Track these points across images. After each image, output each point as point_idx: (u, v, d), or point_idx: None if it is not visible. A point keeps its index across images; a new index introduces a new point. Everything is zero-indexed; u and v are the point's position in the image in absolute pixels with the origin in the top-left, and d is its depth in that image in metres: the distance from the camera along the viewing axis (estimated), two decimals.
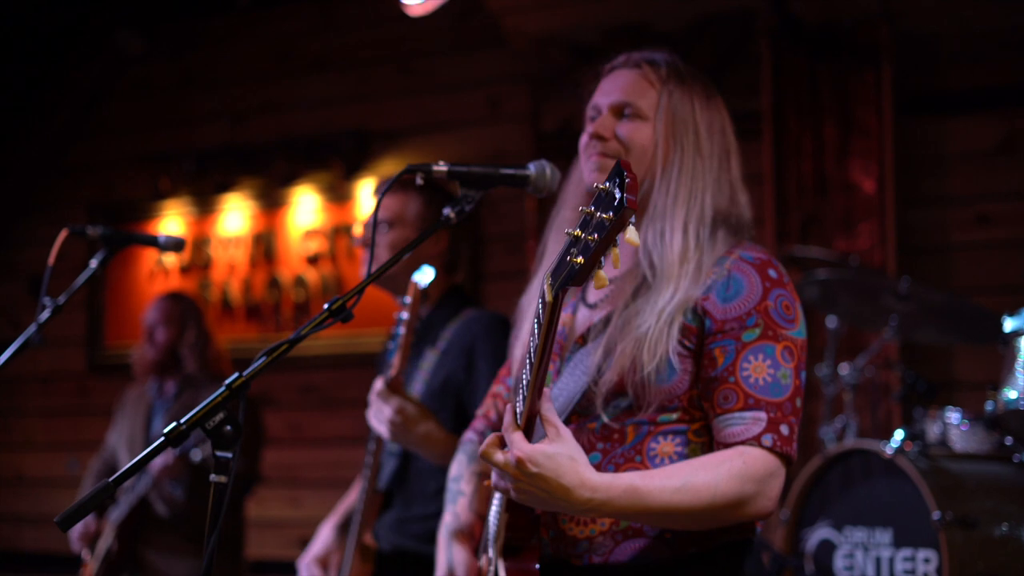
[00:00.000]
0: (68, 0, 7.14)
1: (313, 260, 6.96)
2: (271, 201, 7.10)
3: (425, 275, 3.23)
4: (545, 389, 2.15)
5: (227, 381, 2.19)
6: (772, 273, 2.40)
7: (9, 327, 7.59)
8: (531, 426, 2.18)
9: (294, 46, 7.10)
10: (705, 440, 2.37)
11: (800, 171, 5.68)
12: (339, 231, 6.91)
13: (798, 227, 5.67)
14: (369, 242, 3.63)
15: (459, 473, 2.75)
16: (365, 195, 6.80)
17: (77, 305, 7.19)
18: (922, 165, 5.60)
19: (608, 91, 2.54)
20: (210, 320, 5.54)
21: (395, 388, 3.28)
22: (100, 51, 7.42)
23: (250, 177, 7.15)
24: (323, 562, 3.76)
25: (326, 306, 2.31)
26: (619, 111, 2.51)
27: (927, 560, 3.83)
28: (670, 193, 2.45)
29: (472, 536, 2.65)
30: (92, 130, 7.60)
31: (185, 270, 7.27)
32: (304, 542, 6.53)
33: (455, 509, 2.69)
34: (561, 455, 2.15)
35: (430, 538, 3.45)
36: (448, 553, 2.63)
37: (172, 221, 7.33)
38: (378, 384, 3.28)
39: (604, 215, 1.83)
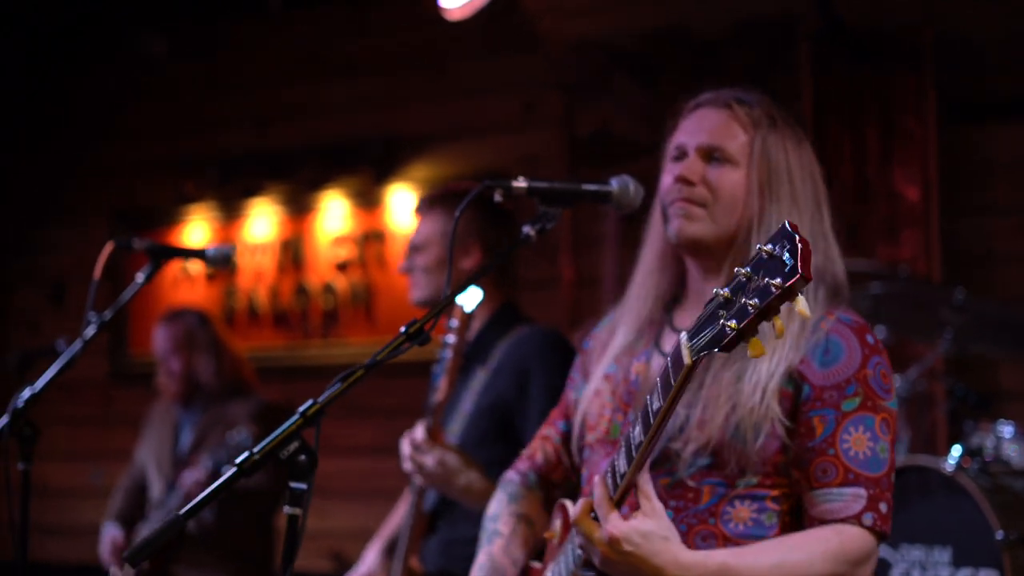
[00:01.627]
0: (91, 1, 7.04)
1: (342, 267, 6.87)
2: (299, 207, 7.01)
3: (471, 297, 3.15)
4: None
5: (301, 409, 2.12)
6: (870, 339, 2.31)
7: (30, 334, 7.51)
8: (625, 495, 2.10)
9: (323, 49, 7.00)
10: (783, 508, 2.28)
11: (841, 177, 5.59)
12: (369, 237, 6.82)
13: (839, 235, 5.56)
14: (410, 269, 3.56)
15: (497, 512, 2.64)
16: (395, 201, 6.71)
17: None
18: (966, 173, 5.51)
19: (694, 131, 2.41)
20: (220, 326, 5.44)
21: (435, 437, 3.22)
22: (124, 53, 7.33)
23: (277, 182, 7.06)
24: None
25: (403, 329, 2.20)
26: (707, 154, 2.39)
27: None
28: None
29: None
30: (116, 134, 7.51)
31: (211, 277, 7.19)
32: (333, 553, 6.49)
33: (491, 550, 2.58)
34: (655, 535, 2.08)
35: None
36: None
37: (197, 227, 7.25)
38: (419, 433, 3.21)
39: (770, 280, 1.70)
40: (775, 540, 2.22)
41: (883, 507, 2.22)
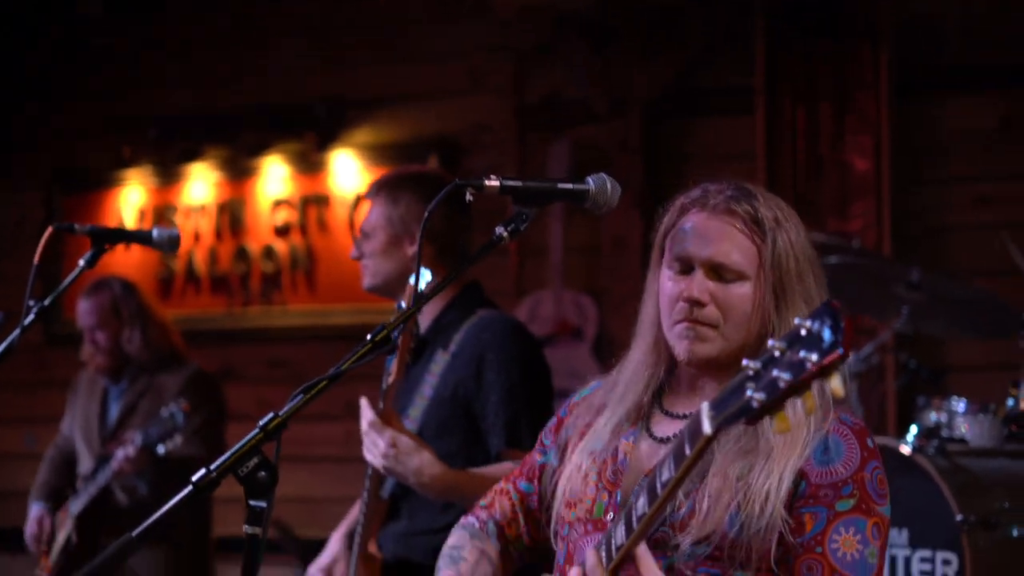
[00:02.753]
0: None
1: (283, 231, 6.73)
2: (239, 171, 6.85)
3: (423, 278, 3.07)
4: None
5: (261, 423, 2.02)
6: (870, 443, 2.24)
7: None
8: (620, 568, 2.02)
9: (266, 9, 6.83)
10: None
11: (794, 150, 5.54)
12: (310, 201, 6.68)
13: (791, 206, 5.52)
14: (360, 256, 3.48)
15: (461, 543, 2.55)
16: (339, 166, 6.58)
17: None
18: (920, 145, 5.48)
19: (699, 243, 2.29)
20: (146, 294, 5.26)
21: (388, 420, 3.13)
22: (60, 13, 7.12)
23: (217, 146, 6.89)
24: (329, 571, 3.61)
25: (368, 337, 2.11)
26: (715, 271, 2.28)
27: (947, 562, 3.72)
28: None
29: None
30: (52, 95, 7.30)
31: None
32: (274, 520, 6.39)
33: (457, 570, 2.49)
34: None
35: (436, 553, 3.32)
36: None
37: (135, 190, 7.07)
38: (368, 414, 3.12)
39: (807, 355, 1.62)
40: None
41: None
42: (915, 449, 3.82)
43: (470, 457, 3.31)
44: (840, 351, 1.59)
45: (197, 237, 6.92)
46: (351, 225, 6.52)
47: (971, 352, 5.25)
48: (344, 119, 6.58)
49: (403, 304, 3.10)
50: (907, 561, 3.80)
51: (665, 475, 1.89)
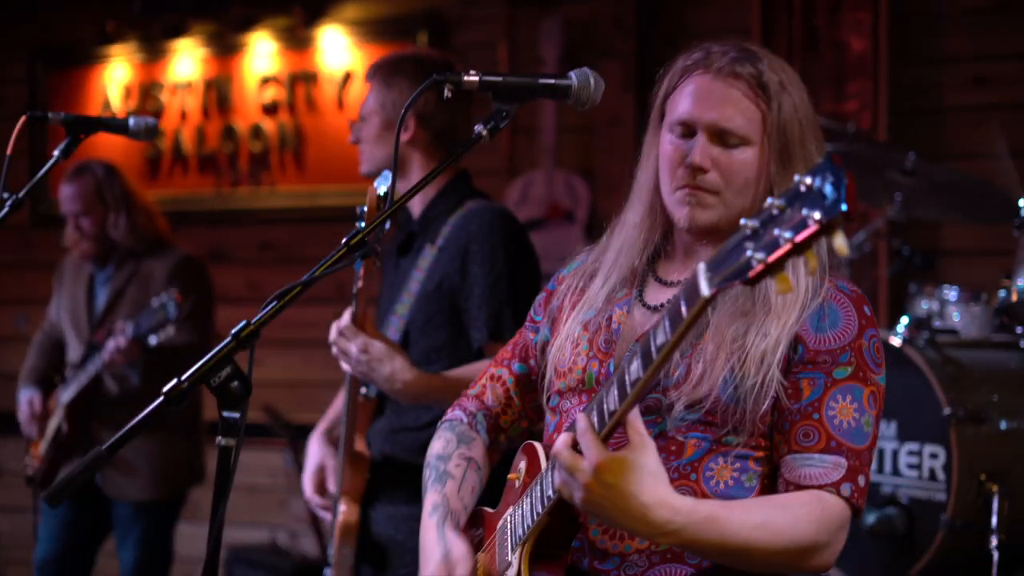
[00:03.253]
0: None
1: (270, 109, 6.63)
2: (225, 47, 6.72)
3: (383, 179, 2.99)
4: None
5: (233, 331, 1.96)
6: (867, 311, 2.20)
7: None
8: (612, 433, 1.96)
9: None
10: (764, 471, 2.19)
11: (790, 27, 5.42)
12: (298, 79, 6.56)
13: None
14: (358, 140, 3.41)
15: (447, 453, 2.48)
16: (326, 41, 6.45)
17: (18, 154, 6.81)
18: (917, 23, 5.35)
19: (701, 106, 2.22)
20: (129, 177, 5.12)
21: (361, 325, 3.08)
22: None
23: (202, 21, 6.76)
24: (320, 476, 3.56)
25: (344, 241, 2.05)
26: (718, 135, 2.22)
27: (934, 455, 3.71)
28: None
29: (460, 525, 2.39)
30: None
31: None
32: (265, 406, 6.40)
33: (444, 491, 2.42)
34: (645, 469, 1.94)
35: (421, 450, 3.28)
36: (443, 542, 2.34)
37: (119, 66, 6.94)
38: (344, 319, 3.07)
39: (809, 213, 1.56)
40: (760, 499, 2.14)
41: (861, 480, 2.14)
42: (905, 341, 3.79)
43: (456, 351, 3.28)
44: (844, 207, 1.53)
45: (184, 115, 6.83)
46: (340, 103, 6.43)
47: (965, 236, 5.20)
48: None
49: (364, 208, 3.01)
50: (895, 454, 3.79)
51: (660, 338, 1.83)
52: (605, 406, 1.96)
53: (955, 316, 4.33)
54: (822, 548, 2.10)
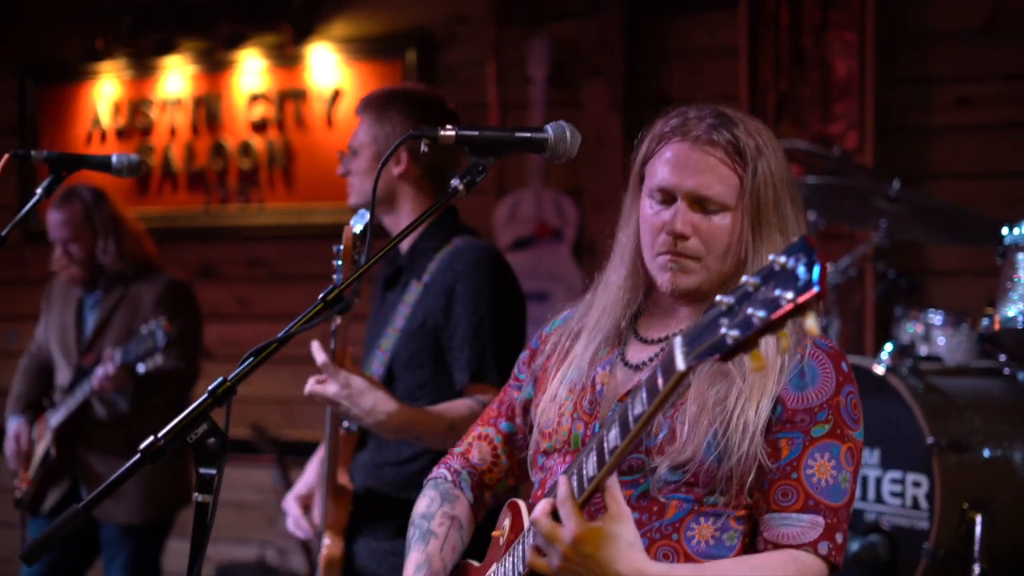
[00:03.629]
0: None
1: (259, 127, 6.63)
2: (215, 64, 6.72)
3: (360, 219, 3.00)
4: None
5: (211, 387, 1.97)
6: (844, 367, 2.23)
7: None
8: (590, 499, 1.99)
9: None
10: (745, 529, 2.21)
11: (777, 46, 5.43)
12: (287, 96, 6.57)
13: (773, 105, 5.44)
14: (347, 172, 3.41)
15: (430, 511, 2.51)
16: (315, 59, 6.45)
17: (10, 171, 6.82)
18: (903, 43, 5.37)
19: (681, 175, 2.26)
20: (117, 202, 5.10)
21: (339, 360, 3.08)
22: None
23: (191, 38, 6.75)
24: (306, 500, 3.58)
25: (320, 297, 2.05)
26: (698, 203, 2.26)
27: (917, 484, 3.72)
28: None
29: None
30: None
31: (122, 134, 6.92)
32: (252, 424, 6.40)
33: (427, 550, 2.45)
34: (622, 539, 1.98)
35: (403, 485, 3.30)
36: None
37: (108, 83, 6.94)
38: (320, 356, 3.06)
39: (782, 293, 1.59)
40: (735, 560, 2.16)
41: (839, 538, 2.17)
42: (888, 369, 3.80)
43: (439, 389, 3.28)
44: (816, 289, 1.56)
45: (173, 132, 6.82)
46: (329, 121, 6.44)
47: (952, 257, 5.21)
48: (319, 11, 6.44)
49: (340, 247, 3.01)
50: (878, 481, 3.80)
51: (638, 408, 1.87)
52: (584, 471, 1.98)
53: (940, 341, 4.35)
54: None
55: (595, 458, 1.97)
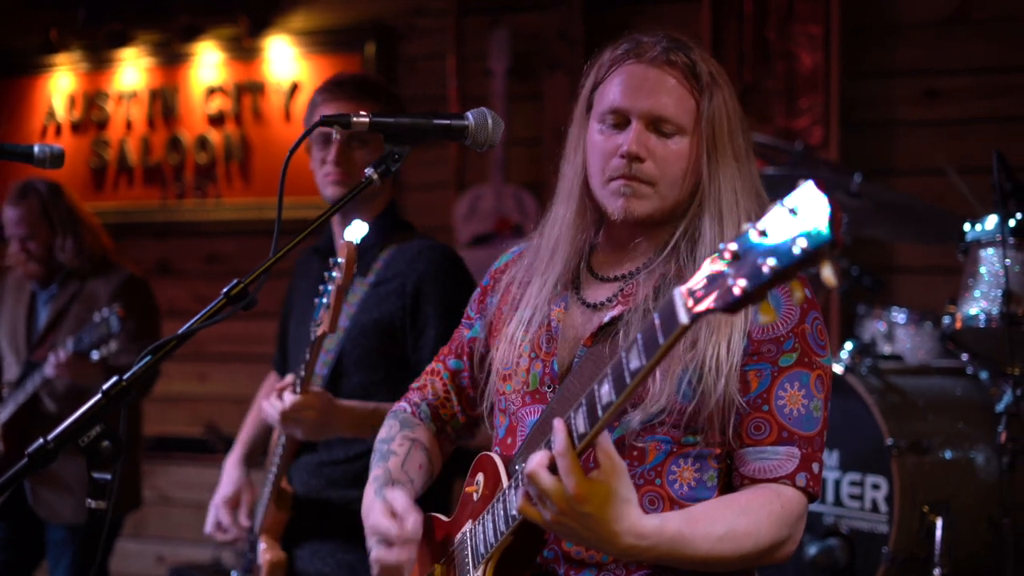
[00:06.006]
0: None
1: (217, 120, 6.50)
2: (171, 56, 6.59)
3: (357, 230, 2.87)
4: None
5: (104, 387, 1.84)
6: (808, 293, 2.14)
7: None
8: (581, 455, 1.90)
9: None
10: (723, 467, 2.15)
11: (740, 38, 5.33)
12: (244, 89, 6.44)
13: (737, 98, 5.33)
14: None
15: (390, 436, 2.46)
16: (273, 52, 6.32)
17: None
18: (869, 36, 5.26)
19: (635, 95, 2.16)
20: (73, 194, 4.98)
21: (306, 387, 3.02)
22: None
23: (147, 30, 6.62)
24: (233, 502, 3.49)
25: (224, 291, 1.93)
26: (653, 124, 2.16)
27: (876, 486, 3.62)
28: (710, 212, 2.15)
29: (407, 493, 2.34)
30: None
31: (77, 127, 6.78)
32: (206, 422, 6.28)
33: (386, 465, 2.39)
34: (619, 496, 1.90)
35: (351, 481, 3.22)
36: (382, 498, 2.30)
37: (64, 76, 6.80)
38: (288, 397, 3.00)
39: (792, 240, 1.48)
40: (721, 504, 2.09)
41: (815, 467, 2.11)
42: (847, 368, 3.70)
43: (395, 385, 3.18)
44: (831, 237, 1.44)
45: (129, 125, 6.70)
46: (287, 114, 6.31)
47: (916, 254, 5.12)
48: (277, 3, 6.33)
49: (340, 260, 2.89)
50: (836, 483, 3.70)
51: (635, 363, 1.77)
52: (575, 428, 1.90)
53: (903, 339, 4.25)
54: (784, 542, 2.09)
55: (585, 413, 1.88)
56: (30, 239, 4.80)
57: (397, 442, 2.43)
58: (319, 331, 2.91)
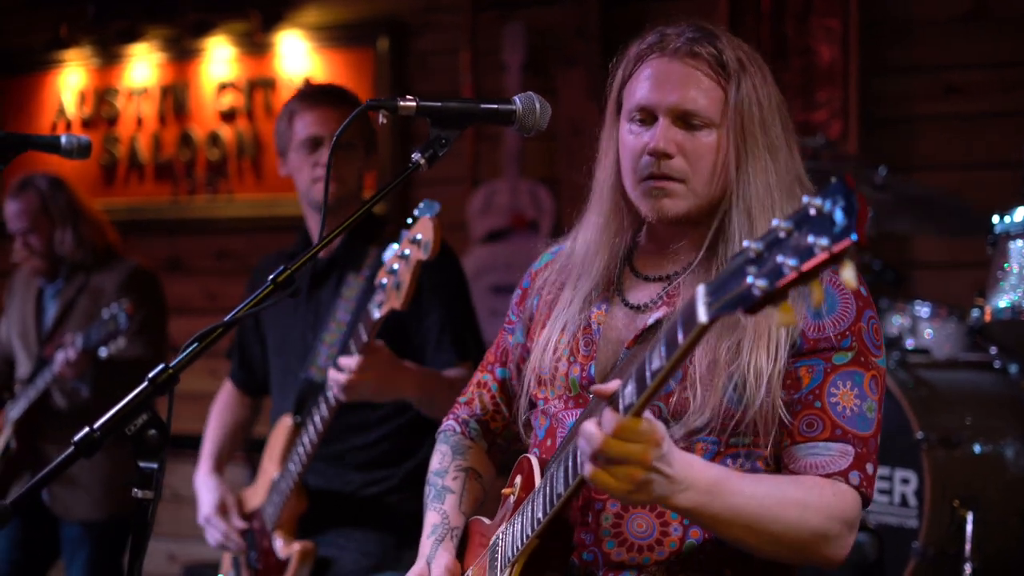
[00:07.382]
0: None
1: (228, 116, 6.46)
2: (182, 52, 6.55)
3: (434, 207, 2.83)
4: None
5: (150, 375, 1.81)
6: (864, 291, 2.11)
7: None
8: None
9: None
10: (774, 468, 2.11)
11: (758, 34, 5.30)
12: (256, 85, 6.41)
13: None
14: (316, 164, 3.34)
15: (443, 468, 2.43)
16: (285, 47, 6.29)
17: None
18: (887, 31, 5.23)
19: (661, 89, 2.13)
20: (75, 189, 4.94)
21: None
22: None
23: (158, 25, 6.59)
24: (222, 510, 3.54)
25: (271, 278, 1.91)
26: (681, 118, 2.12)
27: (905, 481, 3.60)
28: (739, 209, 2.10)
29: (455, 539, 2.33)
30: None
31: (88, 124, 6.75)
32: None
33: (443, 508, 2.37)
34: (665, 439, 1.85)
35: (369, 466, 3.23)
36: (431, 554, 2.29)
37: (74, 72, 6.77)
38: (347, 361, 2.99)
39: (816, 240, 1.44)
40: (783, 477, 2.05)
41: (869, 468, 2.06)
42: None
43: None
44: (854, 237, 1.41)
45: (140, 122, 6.67)
46: None
47: (938, 249, 5.09)
48: None
49: (420, 236, 2.88)
50: None
51: (655, 363, 1.73)
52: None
53: (927, 333, 4.22)
54: (833, 538, 2.02)
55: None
56: (31, 233, 4.78)
57: (451, 476, 2.41)
58: (384, 309, 2.89)
